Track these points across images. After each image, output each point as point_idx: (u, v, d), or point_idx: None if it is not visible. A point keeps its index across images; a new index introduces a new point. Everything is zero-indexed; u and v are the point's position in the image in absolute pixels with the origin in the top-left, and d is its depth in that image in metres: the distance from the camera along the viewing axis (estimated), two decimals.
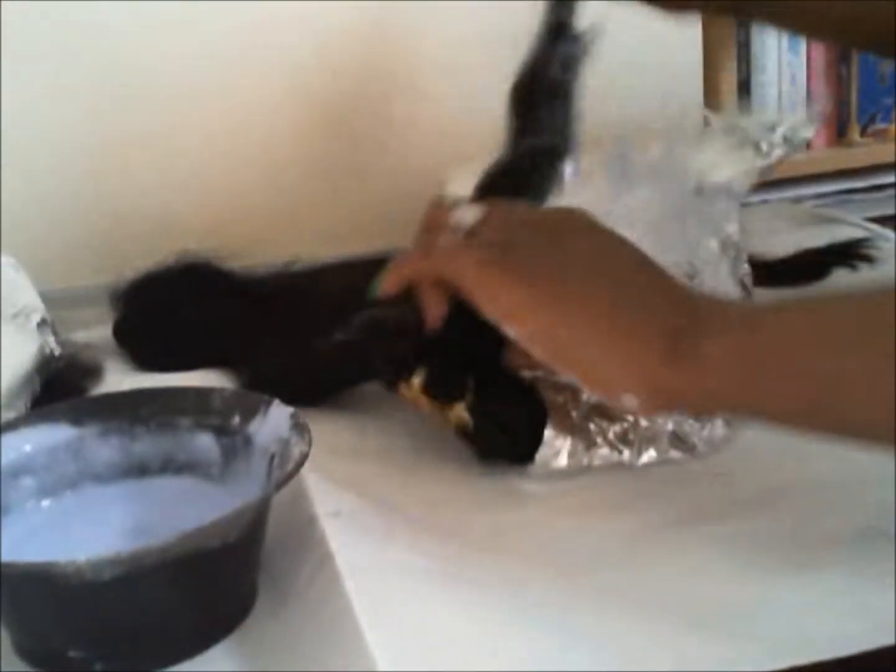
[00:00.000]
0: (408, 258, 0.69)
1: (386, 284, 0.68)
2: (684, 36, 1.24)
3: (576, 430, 0.71)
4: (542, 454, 0.69)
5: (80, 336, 0.95)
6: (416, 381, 0.71)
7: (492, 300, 0.62)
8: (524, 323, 0.62)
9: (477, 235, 0.66)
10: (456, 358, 0.71)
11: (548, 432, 0.70)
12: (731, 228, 0.93)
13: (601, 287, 0.62)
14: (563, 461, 0.69)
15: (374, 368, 0.74)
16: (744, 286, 0.89)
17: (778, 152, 1.01)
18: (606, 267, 0.63)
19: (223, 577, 0.59)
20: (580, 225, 0.65)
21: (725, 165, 0.97)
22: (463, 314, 0.66)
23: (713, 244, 0.91)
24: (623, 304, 0.61)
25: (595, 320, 0.60)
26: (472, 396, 0.69)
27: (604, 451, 0.71)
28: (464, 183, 1.04)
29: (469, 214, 0.67)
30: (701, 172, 0.95)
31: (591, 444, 0.71)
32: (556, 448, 0.68)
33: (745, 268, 0.90)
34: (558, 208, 0.72)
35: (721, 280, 0.89)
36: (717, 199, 0.92)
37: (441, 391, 0.70)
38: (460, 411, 0.69)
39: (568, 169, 0.92)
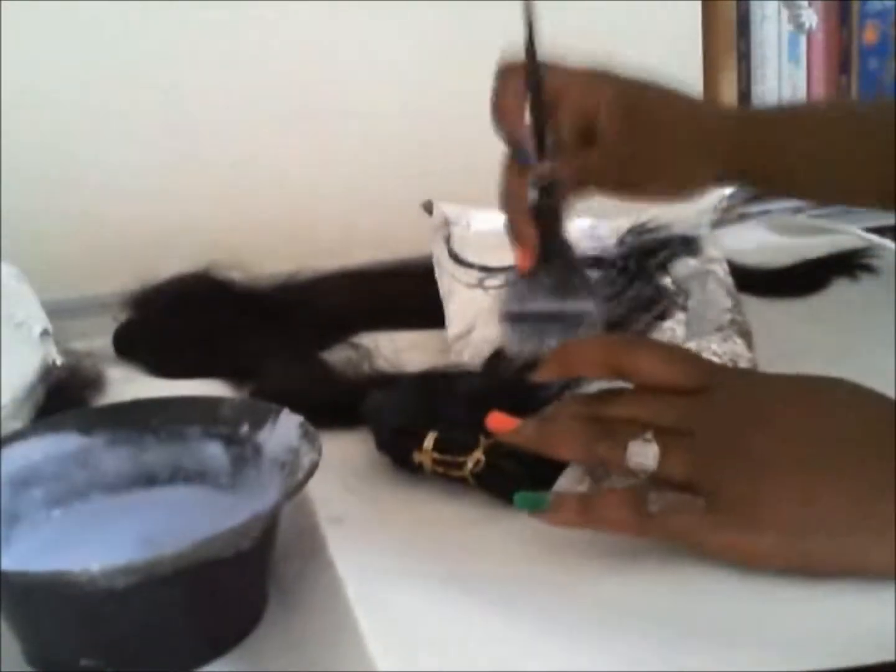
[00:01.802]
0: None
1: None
2: (684, 46, 1.24)
3: None
4: (562, 481, 0.68)
5: (81, 346, 0.95)
6: (428, 443, 0.71)
7: (727, 553, 0.58)
8: (770, 563, 0.58)
9: (667, 474, 0.59)
10: (464, 419, 0.71)
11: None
12: (713, 252, 0.96)
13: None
14: (583, 486, 0.68)
15: (383, 443, 0.75)
16: (732, 295, 0.91)
17: None
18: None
19: (235, 585, 0.59)
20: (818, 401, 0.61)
21: (690, 207, 1.01)
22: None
23: (696, 265, 0.95)
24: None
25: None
26: (486, 442, 0.69)
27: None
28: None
29: (649, 456, 0.60)
30: (668, 226, 0.99)
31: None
32: (577, 473, 0.68)
33: (729, 278, 0.94)
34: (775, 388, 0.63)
35: (709, 293, 0.90)
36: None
37: (455, 446, 0.70)
38: (477, 455, 0.69)
39: None
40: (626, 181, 0.83)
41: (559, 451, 0.63)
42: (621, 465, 0.60)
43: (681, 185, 0.86)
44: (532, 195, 0.77)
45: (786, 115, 0.89)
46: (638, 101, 0.81)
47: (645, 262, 0.97)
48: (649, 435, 0.60)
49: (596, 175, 0.82)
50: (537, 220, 0.78)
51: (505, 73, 0.79)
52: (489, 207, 1.07)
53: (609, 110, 0.79)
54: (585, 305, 0.78)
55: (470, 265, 0.99)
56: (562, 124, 0.79)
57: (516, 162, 0.80)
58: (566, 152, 0.79)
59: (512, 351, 0.82)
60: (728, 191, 1.05)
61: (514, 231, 0.80)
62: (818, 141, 0.85)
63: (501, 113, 0.79)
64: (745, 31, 1.43)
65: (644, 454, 0.59)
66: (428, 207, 1.07)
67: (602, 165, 0.82)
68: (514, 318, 0.80)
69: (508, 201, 0.81)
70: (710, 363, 0.66)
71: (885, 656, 0.51)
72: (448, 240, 1.02)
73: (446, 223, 1.05)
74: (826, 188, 0.88)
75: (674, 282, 0.92)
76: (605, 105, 0.79)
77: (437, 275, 1.00)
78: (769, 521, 0.57)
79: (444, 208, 1.06)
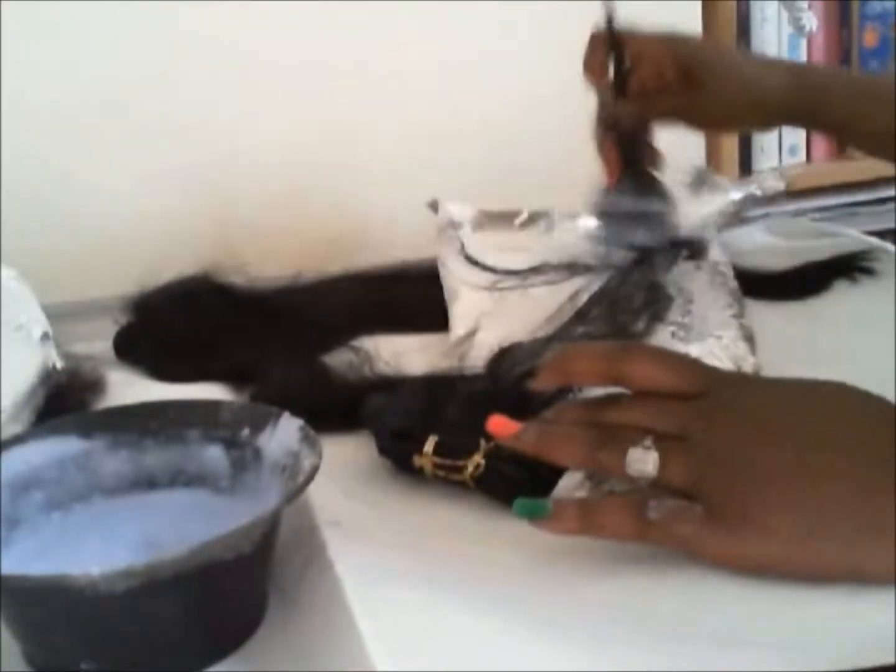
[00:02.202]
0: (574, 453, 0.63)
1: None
2: None
3: None
4: (562, 485, 0.68)
5: (81, 349, 0.95)
6: (429, 447, 0.71)
7: (728, 560, 0.58)
8: (770, 570, 0.58)
9: (666, 481, 0.60)
10: (465, 423, 0.71)
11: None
12: (719, 257, 0.96)
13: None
14: (583, 491, 0.68)
15: (383, 446, 0.75)
16: (736, 299, 0.92)
17: (754, 191, 1.05)
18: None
19: (236, 588, 0.59)
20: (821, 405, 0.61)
21: (696, 211, 1.01)
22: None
23: (702, 270, 0.95)
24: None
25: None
26: (486, 446, 0.69)
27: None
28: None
29: (648, 462, 0.60)
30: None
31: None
32: (577, 478, 0.68)
33: (734, 282, 0.94)
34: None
35: (713, 295, 0.90)
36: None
37: (455, 449, 0.70)
38: (477, 459, 0.69)
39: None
40: (692, 118, 0.99)
41: (559, 456, 0.63)
42: (621, 472, 0.60)
43: (736, 123, 1.05)
44: (604, 125, 0.97)
45: (835, 69, 1.09)
46: (699, 54, 0.97)
47: (645, 262, 0.97)
48: (649, 441, 0.60)
49: (667, 112, 0.98)
50: (619, 145, 0.97)
51: (594, 38, 0.96)
52: (495, 206, 1.08)
53: (676, 62, 0.95)
54: (661, 207, 0.98)
55: (484, 267, 1.00)
56: (639, 75, 0.96)
57: (600, 106, 0.98)
58: (643, 96, 0.97)
59: (603, 246, 1.00)
60: (736, 195, 1.06)
61: (602, 154, 0.98)
62: (868, 91, 0.98)
63: (590, 68, 0.97)
64: (745, 33, 1.43)
65: (644, 461, 0.59)
66: (434, 206, 1.07)
67: (672, 105, 0.97)
68: (602, 219, 1.00)
69: (596, 133, 0.98)
70: (708, 368, 0.66)
71: (885, 659, 0.51)
72: (458, 241, 1.03)
73: (452, 223, 1.05)
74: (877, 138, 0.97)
75: (678, 284, 0.92)
76: (673, 58, 0.95)
77: (441, 275, 1.01)
78: (769, 528, 0.57)
79: (449, 208, 1.06)
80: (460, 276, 0.99)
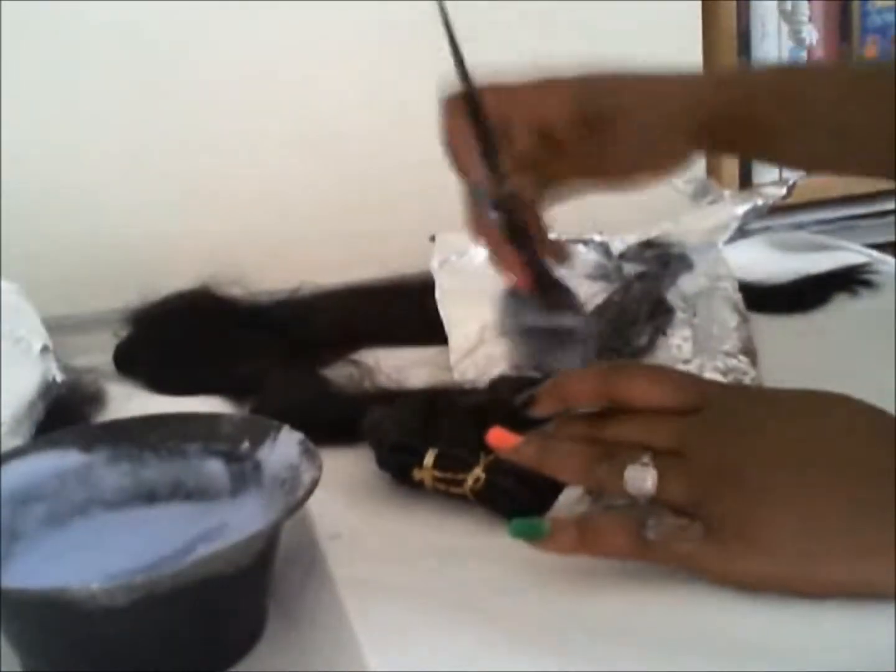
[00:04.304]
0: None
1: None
2: (683, 58, 1.25)
3: None
4: (562, 500, 0.68)
5: (81, 362, 0.95)
6: (429, 460, 0.71)
7: (728, 578, 0.58)
8: (771, 587, 0.57)
9: (665, 499, 0.59)
10: (465, 436, 0.72)
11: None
12: (722, 270, 0.96)
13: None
14: (583, 506, 0.68)
15: (383, 459, 0.75)
16: (739, 312, 0.92)
17: (759, 200, 1.05)
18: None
19: (235, 602, 0.59)
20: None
21: (698, 224, 1.01)
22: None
23: (704, 282, 0.94)
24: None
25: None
26: (486, 459, 0.69)
27: None
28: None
29: (647, 480, 0.59)
30: (680, 244, 0.99)
31: None
32: (577, 492, 0.68)
33: (738, 295, 0.94)
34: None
35: (716, 310, 0.90)
36: (701, 254, 1.00)
37: (455, 463, 0.70)
38: (477, 473, 0.69)
39: None
40: (598, 176, 0.81)
41: (558, 471, 0.63)
42: (620, 489, 0.60)
43: (654, 168, 0.82)
44: (494, 218, 0.75)
45: (771, 78, 0.83)
46: (590, 97, 0.77)
47: (646, 275, 0.97)
48: (647, 458, 0.60)
49: (565, 178, 0.80)
50: (512, 242, 0.75)
51: (448, 110, 0.76)
52: None
53: (561, 116, 0.76)
54: (573, 321, 0.77)
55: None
56: (516, 142, 0.75)
57: (473, 198, 0.77)
58: (526, 167, 0.76)
59: (518, 364, 0.84)
60: (742, 210, 1.05)
61: (497, 259, 0.77)
62: (806, 106, 0.79)
63: (454, 152, 0.76)
64: (745, 48, 1.43)
65: (642, 478, 0.59)
66: (433, 239, 1.08)
67: (569, 169, 0.79)
68: (511, 334, 0.81)
69: (479, 235, 0.78)
70: (704, 382, 0.66)
71: (882, 668, 0.51)
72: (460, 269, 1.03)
73: (447, 259, 1.05)
74: (816, 156, 0.83)
75: (682, 298, 0.93)
76: (555, 112, 0.76)
77: (438, 299, 1.00)
78: (769, 545, 0.56)
79: (446, 238, 1.06)
80: (455, 300, 0.99)
